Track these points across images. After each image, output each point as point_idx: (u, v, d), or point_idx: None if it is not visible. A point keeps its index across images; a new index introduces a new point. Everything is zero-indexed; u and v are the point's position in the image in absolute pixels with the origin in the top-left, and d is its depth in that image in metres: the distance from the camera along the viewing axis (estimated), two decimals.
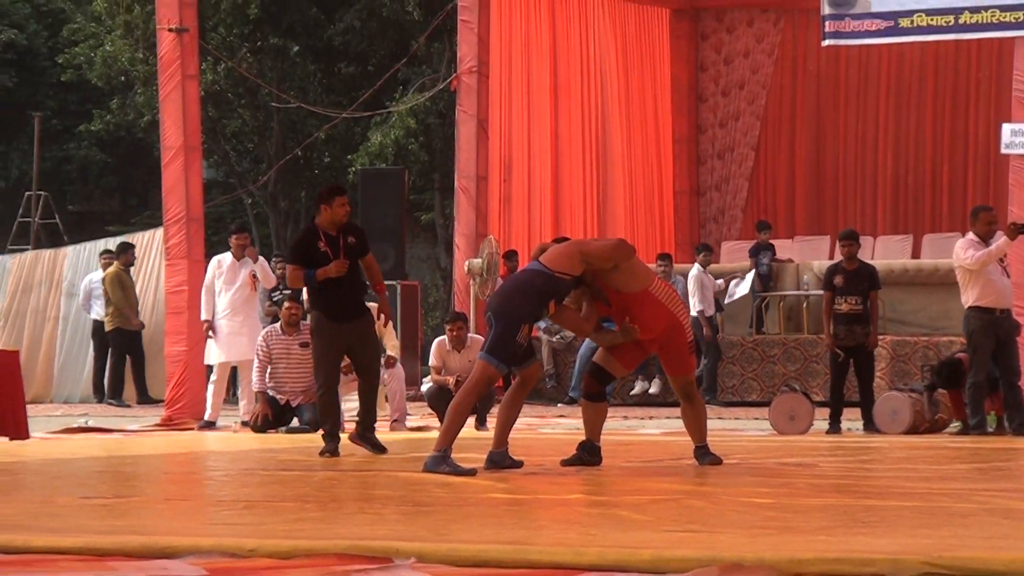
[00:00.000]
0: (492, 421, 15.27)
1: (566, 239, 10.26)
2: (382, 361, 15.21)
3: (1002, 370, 13.50)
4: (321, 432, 11.52)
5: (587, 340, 18.81)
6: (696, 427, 10.14)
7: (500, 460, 9.75)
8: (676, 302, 9.96)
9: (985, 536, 6.07)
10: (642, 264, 10.05)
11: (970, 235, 13.65)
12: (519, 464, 9.78)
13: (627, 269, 9.75)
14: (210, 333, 15.62)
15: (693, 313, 18.12)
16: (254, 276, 15.72)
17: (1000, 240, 13.32)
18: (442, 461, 9.36)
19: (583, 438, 10.11)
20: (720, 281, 19.19)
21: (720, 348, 18.74)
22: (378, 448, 11.36)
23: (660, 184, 23.32)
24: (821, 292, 15.22)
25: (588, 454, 10.02)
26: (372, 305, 15.64)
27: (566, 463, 9.93)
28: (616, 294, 9.80)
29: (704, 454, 10.06)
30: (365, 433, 11.47)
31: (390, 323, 15.61)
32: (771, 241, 20.37)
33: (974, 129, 22.32)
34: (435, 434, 14.02)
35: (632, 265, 9.80)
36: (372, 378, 11.59)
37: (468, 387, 9.61)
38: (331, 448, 11.29)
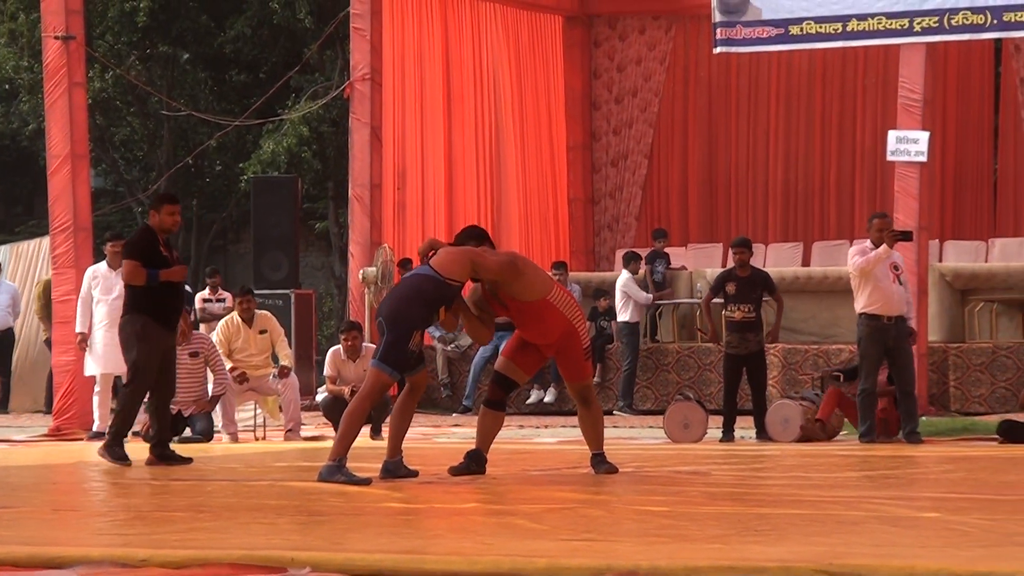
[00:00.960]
0: (387, 430, 15.23)
1: (464, 239, 10.14)
2: (274, 371, 15.17)
3: (896, 377, 13.64)
4: (151, 440, 11.48)
5: (480, 351, 18.87)
6: (593, 433, 10.15)
7: (395, 469, 9.71)
8: (573, 308, 9.96)
9: (874, 544, 6.12)
10: (540, 273, 10.04)
11: (865, 242, 13.78)
12: (415, 473, 9.75)
13: (522, 281, 9.74)
14: (84, 345, 15.41)
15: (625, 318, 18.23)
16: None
17: (880, 247, 13.46)
18: (337, 470, 9.31)
19: (472, 446, 10.11)
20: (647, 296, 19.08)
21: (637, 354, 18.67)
22: (181, 460, 11.24)
23: (555, 192, 23.37)
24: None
25: (475, 463, 10.02)
26: (263, 313, 15.59)
27: (454, 471, 9.92)
28: (512, 300, 9.80)
29: (600, 462, 10.07)
30: (163, 452, 11.33)
31: (282, 333, 15.56)
32: (665, 249, 20.47)
33: (861, 136, 22.57)
34: (330, 443, 13.97)
35: (527, 277, 9.79)
36: (168, 395, 11.57)
37: (362, 395, 9.57)
38: (161, 454, 11.26)
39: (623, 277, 18.75)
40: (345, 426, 9.50)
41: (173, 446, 13.85)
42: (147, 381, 11.28)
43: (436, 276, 9.52)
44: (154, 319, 11.22)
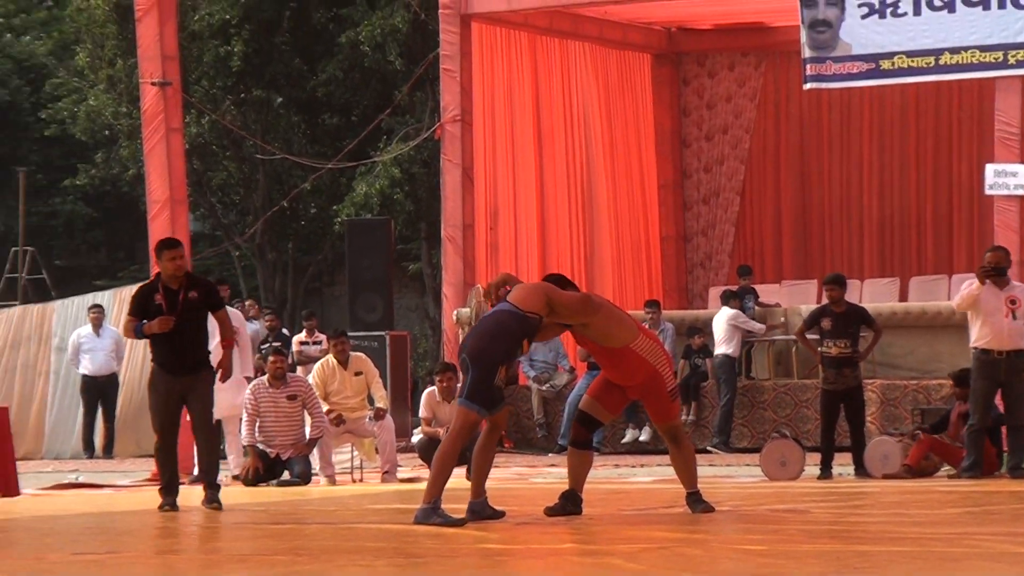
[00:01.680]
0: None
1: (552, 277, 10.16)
2: (371, 413, 15.24)
3: (1006, 412, 13.51)
4: (158, 487, 11.36)
5: (576, 388, 18.86)
6: (686, 473, 10.10)
7: (480, 510, 9.71)
8: (659, 353, 9.88)
9: None
10: (623, 319, 9.93)
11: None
12: (501, 514, 9.74)
13: (599, 325, 9.73)
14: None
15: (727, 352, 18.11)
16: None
17: (973, 283, 13.37)
18: (432, 512, 9.33)
19: (566, 487, 10.09)
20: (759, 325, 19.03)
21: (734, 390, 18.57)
22: (215, 504, 11.13)
23: (646, 230, 23.36)
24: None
25: (571, 504, 9.99)
26: (358, 355, 15.66)
27: (550, 511, 9.90)
28: (593, 344, 9.82)
29: (696, 501, 10.02)
30: (207, 492, 11.26)
31: (377, 374, 15.64)
32: (757, 285, 20.37)
33: (957, 170, 22.39)
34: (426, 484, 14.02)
35: (604, 321, 9.75)
36: (206, 436, 11.38)
37: (452, 436, 9.57)
38: (169, 502, 11.15)
39: (730, 312, 18.60)
40: (437, 467, 9.52)
41: (271, 489, 14.00)
42: (158, 426, 11.23)
43: (516, 310, 9.53)
44: (160, 367, 11.28)
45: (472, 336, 9.63)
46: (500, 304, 9.71)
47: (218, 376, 11.50)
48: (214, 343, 11.72)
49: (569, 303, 9.69)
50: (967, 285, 13.54)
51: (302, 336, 19.99)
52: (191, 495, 13.10)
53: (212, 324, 11.53)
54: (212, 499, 11.20)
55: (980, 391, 13.43)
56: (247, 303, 19.73)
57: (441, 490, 9.43)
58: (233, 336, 11.69)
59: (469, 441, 9.73)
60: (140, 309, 11.32)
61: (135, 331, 11.32)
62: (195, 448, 11.53)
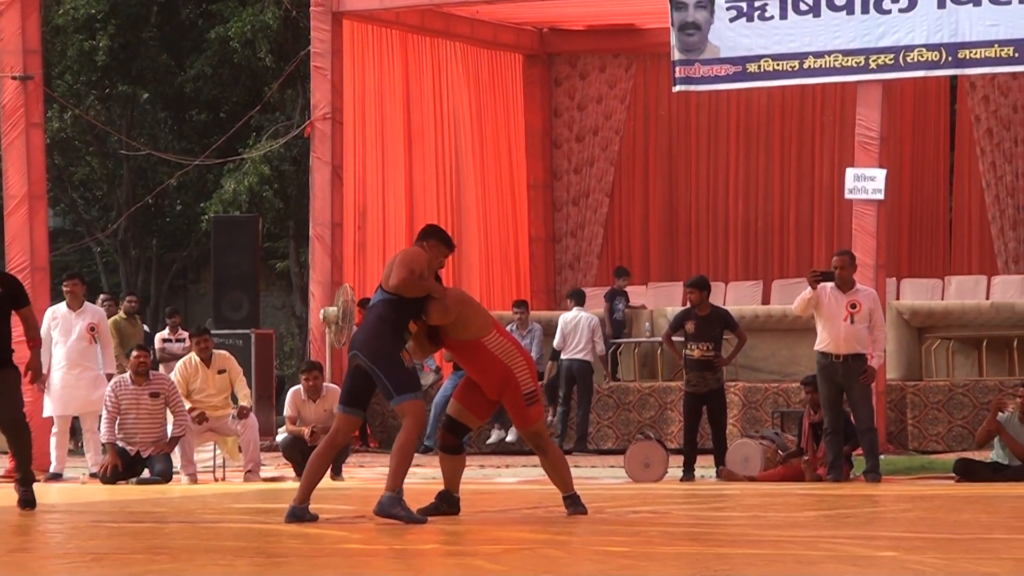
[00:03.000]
0: (346, 470, 15.17)
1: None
2: (234, 411, 15.11)
3: (853, 415, 13.68)
4: None
5: (442, 389, 18.83)
6: (558, 477, 10.04)
7: (302, 515, 9.53)
8: (514, 357, 9.79)
9: None
10: (480, 310, 9.93)
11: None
12: (316, 517, 9.53)
13: (454, 307, 9.67)
14: (43, 386, 15.30)
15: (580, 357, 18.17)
16: (92, 328, 15.41)
17: (807, 289, 13.60)
18: (398, 502, 9.34)
19: (441, 487, 10.06)
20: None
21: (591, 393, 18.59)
22: (28, 504, 10.80)
23: (515, 231, 23.39)
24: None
25: (447, 504, 9.97)
26: (222, 353, 15.51)
27: (423, 512, 9.85)
28: (447, 337, 9.78)
29: (573, 503, 9.94)
30: (22, 491, 10.87)
31: (241, 372, 15.50)
32: (626, 288, 20.50)
33: (819, 173, 22.68)
34: (290, 485, 13.92)
35: (459, 303, 9.71)
36: (13, 435, 10.97)
37: (408, 428, 9.52)
38: None
39: (593, 319, 18.62)
40: (399, 458, 9.46)
41: (129, 487, 13.82)
42: None
43: (390, 298, 9.50)
44: None
45: (362, 339, 9.55)
46: (377, 294, 9.65)
47: (27, 378, 11.17)
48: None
49: (429, 263, 9.61)
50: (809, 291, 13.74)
51: (165, 333, 19.77)
52: (44, 493, 12.90)
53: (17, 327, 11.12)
54: (26, 498, 10.80)
55: (825, 395, 13.65)
56: (103, 298, 19.41)
57: (403, 481, 9.39)
58: (39, 336, 11.31)
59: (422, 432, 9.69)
60: None
61: None
62: (7, 444, 11.07)
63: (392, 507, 9.32)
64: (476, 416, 10.01)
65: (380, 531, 9.07)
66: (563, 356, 18.56)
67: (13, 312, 11.04)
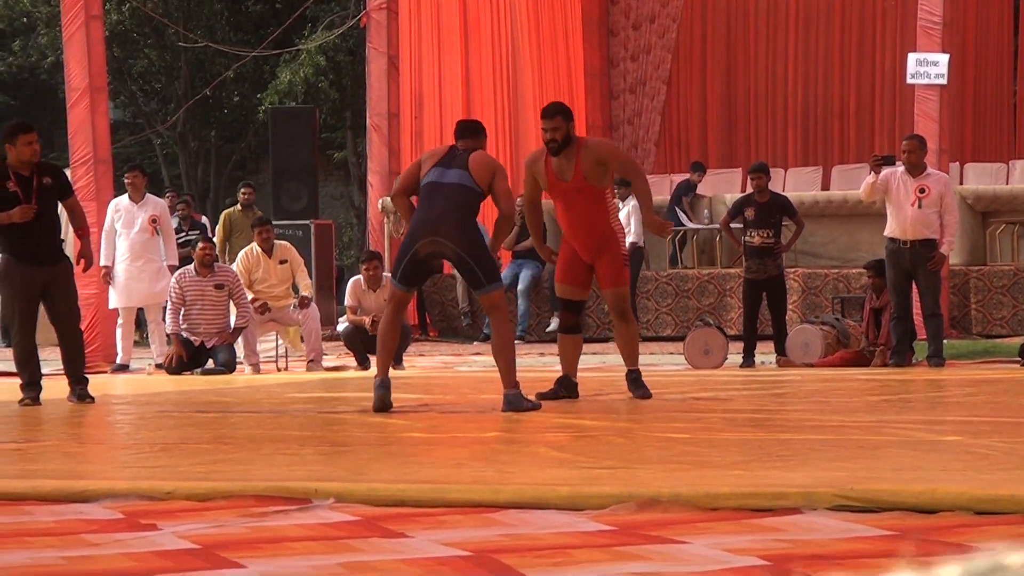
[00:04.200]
0: (405, 359, 15.27)
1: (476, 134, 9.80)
2: (295, 301, 15.22)
3: (920, 301, 13.64)
4: (20, 382, 10.91)
5: (502, 275, 18.87)
6: (628, 349, 10.18)
7: (388, 385, 9.55)
8: (616, 214, 10.08)
9: (895, 468, 6.15)
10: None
11: (899, 166, 13.69)
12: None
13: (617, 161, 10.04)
14: (108, 279, 15.42)
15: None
16: (154, 220, 15.49)
17: (870, 174, 13.51)
18: (523, 398, 9.39)
19: (559, 373, 10.11)
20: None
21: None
22: (84, 398, 10.80)
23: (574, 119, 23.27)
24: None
25: (566, 389, 10.09)
26: (283, 243, 15.60)
27: (542, 396, 9.88)
28: (586, 182, 9.78)
29: (636, 383, 10.09)
30: (73, 386, 10.88)
31: (302, 263, 15.59)
32: (683, 174, 20.42)
33: (880, 59, 22.45)
34: (352, 374, 14.04)
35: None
36: (69, 329, 10.94)
37: (503, 319, 9.55)
38: (31, 396, 10.74)
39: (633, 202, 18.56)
40: (510, 351, 9.45)
41: (194, 378, 13.96)
42: (16, 321, 10.80)
43: (476, 188, 9.41)
44: (15, 258, 10.75)
45: (445, 224, 9.33)
46: (457, 173, 9.42)
47: (79, 267, 11.14)
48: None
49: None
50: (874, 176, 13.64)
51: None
52: (110, 384, 13.06)
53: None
54: (83, 394, 10.84)
55: (892, 280, 13.58)
56: (169, 195, 19.45)
57: (515, 373, 9.45)
58: (87, 225, 11.30)
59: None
60: None
61: None
62: (60, 341, 11.02)
63: (522, 402, 9.37)
64: (582, 289, 10.14)
65: (442, 420, 9.14)
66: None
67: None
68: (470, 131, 9.73)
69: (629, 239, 18.22)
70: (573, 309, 10.22)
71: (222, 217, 18.47)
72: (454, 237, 9.39)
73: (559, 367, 10.45)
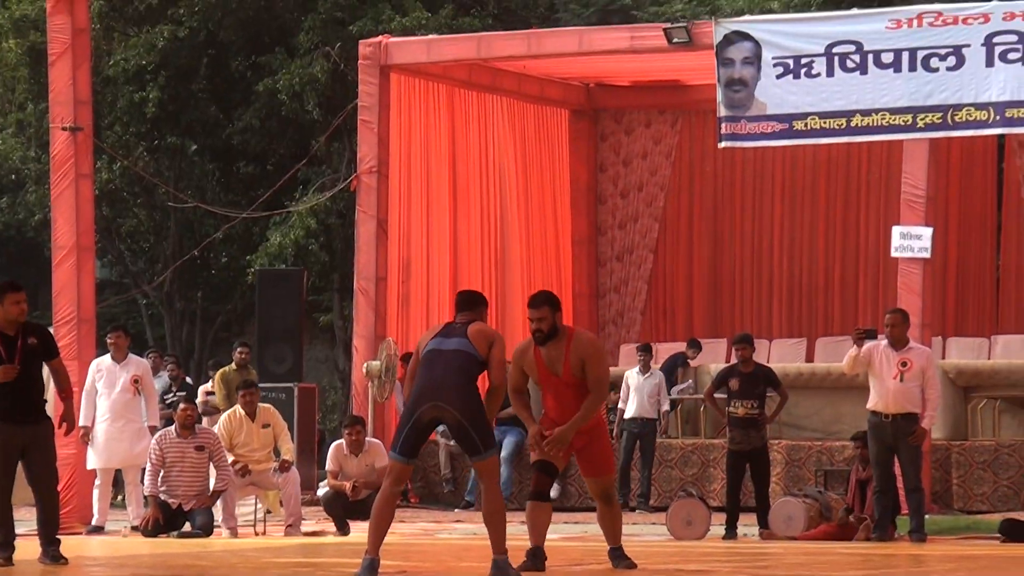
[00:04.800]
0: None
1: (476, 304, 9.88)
2: (275, 465, 15.10)
3: (902, 475, 13.57)
4: None
5: None
6: (612, 529, 10.20)
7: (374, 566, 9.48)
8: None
9: None
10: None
11: (882, 339, 13.72)
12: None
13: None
14: (87, 439, 15.33)
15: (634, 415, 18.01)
16: (135, 380, 15.44)
17: (853, 348, 13.58)
18: (509, 566, 9.36)
19: (529, 545, 9.98)
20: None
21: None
22: (58, 560, 10.72)
23: (559, 285, 23.34)
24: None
25: (534, 560, 9.92)
26: (266, 407, 15.50)
27: (521, 570, 9.71)
28: (573, 379, 9.76)
29: (619, 557, 10.08)
30: (46, 547, 10.82)
31: (285, 427, 15.50)
32: (668, 343, 20.45)
33: (865, 231, 22.60)
34: (330, 540, 13.91)
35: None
36: (45, 490, 10.92)
37: (495, 486, 9.52)
38: (4, 556, 10.65)
39: (659, 376, 18.53)
40: (501, 518, 9.43)
41: (170, 541, 13.82)
42: None
43: (476, 356, 9.41)
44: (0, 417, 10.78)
45: (446, 389, 9.35)
46: (457, 340, 9.45)
47: (61, 429, 11.15)
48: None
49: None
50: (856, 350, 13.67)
51: (208, 386, 19.79)
52: (85, 546, 12.91)
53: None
54: (56, 555, 10.74)
55: (874, 454, 13.55)
56: (151, 355, 19.41)
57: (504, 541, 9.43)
58: (71, 387, 11.28)
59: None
60: None
61: None
62: (36, 501, 10.97)
63: (509, 570, 9.35)
64: (561, 458, 10.00)
65: None
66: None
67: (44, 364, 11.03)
68: (469, 303, 9.80)
69: (651, 414, 18.10)
70: (548, 474, 10.02)
71: (217, 377, 18.45)
72: (455, 402, 9.38)
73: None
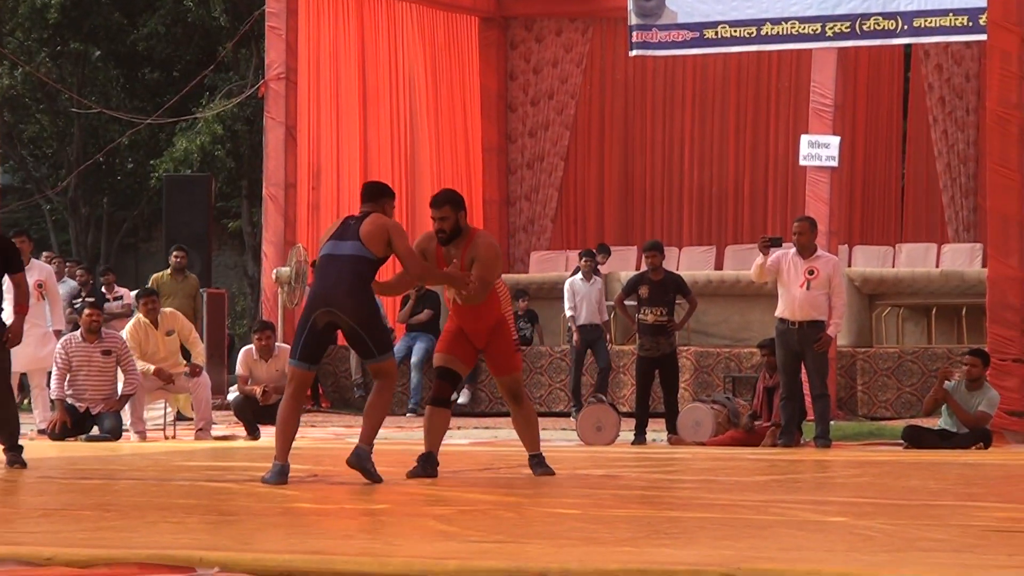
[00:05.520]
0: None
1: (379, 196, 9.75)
2: (186, 369, 15.05)
3: (808, 381, 13.72)
4: None
5: (394, 350, 18.81)
6: (528, 433, 10.02)
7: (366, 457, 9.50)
8: (507, 304, 9.98)
9: (782, 548, 6.17)
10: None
11: (791, 248, 13.79)
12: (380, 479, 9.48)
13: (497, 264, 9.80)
14: None
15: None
16: (39, 284, 15.27)
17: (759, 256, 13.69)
18: (368, 458, 9.36)
19: (423, 449, 9.83)
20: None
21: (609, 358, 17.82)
22: (19, 464, 10.73)
23: (469, 193, 23.32)
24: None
25: (428, 465, 9.75)
26: (168, 311, 15.39)
27: (410, 475, 9.67)
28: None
29: (538, 463, 9.96)
30: (9, 455, 10.83)
31: (192, 328, 15.42)
32: (577, 251, 20.48)
33: (774, 140, 22.74)
34: (240, 444, 13.91)
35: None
36: (4, 397, 10.92)
37: (389, 386, 9.50)
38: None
39: (600, 283, 18.01)
40: (379, 414, 9.43)
41: (78, 444, 13.76)
42: None
43: (369, 256, 9.38)
44: None
45: (338, 294, 9.32)
46: (348, 243, 9.40)
47: (6, 342, 11.08)
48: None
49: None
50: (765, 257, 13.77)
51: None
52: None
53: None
54: (16, 460, 10.79)
55: (781, 360, 13.67)
56: (47, 256, 19.18)
57: (375, 437, 9.43)
58: (27, 302, 11.23)
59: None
60: None
61: None
62: None
63: (367, 461, 9.35)
64: (463, 364, 9.89)
65: (331, 491, 9.07)
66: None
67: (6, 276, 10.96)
68: (373, 194, 9.73)
69: (597, 320, 17.73)
70: (449, 381, 9.89)
71: (151, 281, 18.30)
72: (347, 308, 9.38)
73: (451, 442, 10.36)
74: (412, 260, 9.52)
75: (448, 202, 9.79)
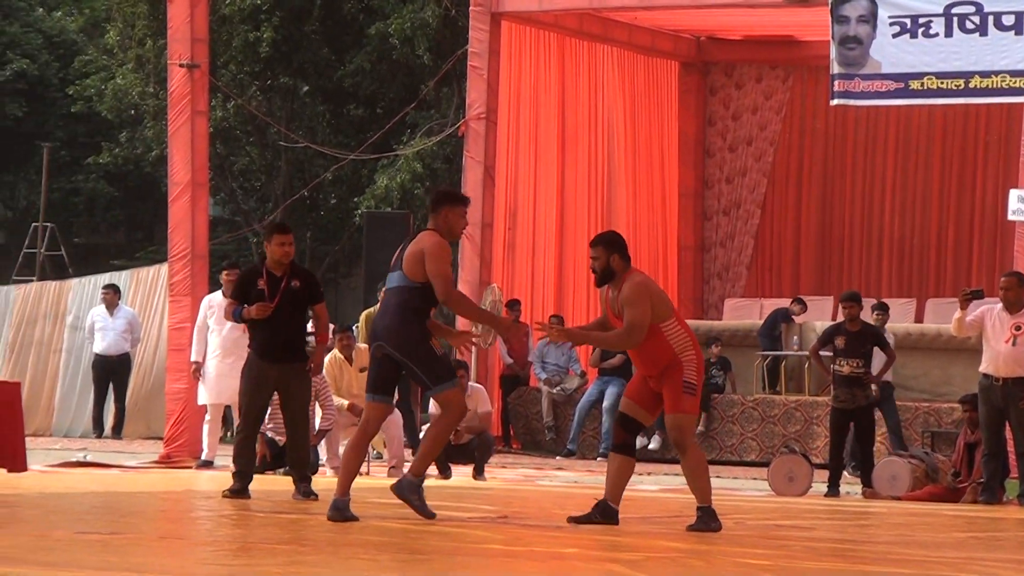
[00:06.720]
0: (489, 471, 15.23)
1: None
2: None
3: (1014, 439, 13.46)
4: (232, 470, 11.32)
5: (586, 394, 18.85)
6: (694, 484, 9.68)
7: (344, 508, 9.47)
8: (686, 346, 9.59)
9: None
10: (663, 300, 9.72)
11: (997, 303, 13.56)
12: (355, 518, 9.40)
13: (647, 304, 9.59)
14: (198, 375, 15.54)
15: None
16: None
17: (980, 308, 13.43)
18: (417, 488, 9.41)
19: (600, 496, 9.67)
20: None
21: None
22: (309, 496, 11.10)
23: (665, 238, 23.32)
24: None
25: (602, 515, 9.55)
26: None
27: (575, 520, 9.55)
28: (619, 319, 9.66)
29: (700, 519, 9.53)
30: (298, 484, 11.23)
31: None
32: (773, 299, 20.34)
33: (981, 193, 22.33)
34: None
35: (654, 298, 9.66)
36: (297, 427, 11.31)
37: (449, 418, 9.51)
38: (236, 488, 11.08)
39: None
40: (433, 446, 9.52)
41: (277, 478, 13.98)
42: (245, 411, 11.29)
43: (412, 284, 9.41)
44: (255, 352, 11.24)
45: (383, 327, 9.47)
46: (394, 272, 9.53)
47: (310, 371, 11.40)
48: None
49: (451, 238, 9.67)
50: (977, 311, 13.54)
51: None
52: (195, 480, 13.10)
53: None
54: (307, 491, 11.18)
55: (984, 416, 13.44)
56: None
57: (427, 468, 9.48)
58: (328, 332, 11.63)
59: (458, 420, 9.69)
60: (241, 292, 11.31)
61: (233, 314, 11.33)
62: (287, 438, 11.52)
63: (411, 491, 9.38)
64: (647, 411, 9.74)
65: (521, 533, 9.09)
66: None
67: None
68: (432, 204, 9.77)
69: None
70: (630, 429, 9.75)
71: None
72: (392, 341, 9.44)
73: (641, 487, 10.30)
74: (440, 283, 9.43)
75: (602, 243, 9.73)
